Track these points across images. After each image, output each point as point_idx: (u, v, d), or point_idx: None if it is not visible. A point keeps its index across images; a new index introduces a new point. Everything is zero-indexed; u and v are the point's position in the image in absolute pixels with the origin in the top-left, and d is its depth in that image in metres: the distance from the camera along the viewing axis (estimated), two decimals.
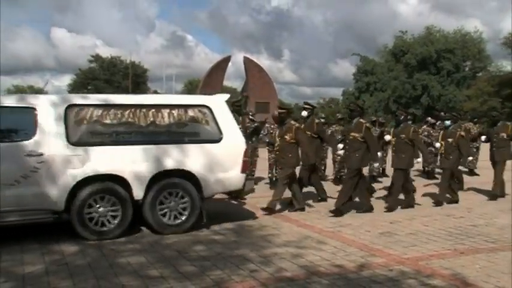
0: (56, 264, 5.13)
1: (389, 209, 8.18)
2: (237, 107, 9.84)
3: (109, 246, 5.84)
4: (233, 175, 6.83)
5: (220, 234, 6.54)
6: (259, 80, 30.55)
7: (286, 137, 8.04)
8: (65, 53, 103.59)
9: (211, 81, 29.92)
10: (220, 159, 6.71)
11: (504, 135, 9.63)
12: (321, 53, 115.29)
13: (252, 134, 10.69)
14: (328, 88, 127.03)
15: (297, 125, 8.26)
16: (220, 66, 31.26)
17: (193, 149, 6.61)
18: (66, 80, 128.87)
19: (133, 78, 58.89)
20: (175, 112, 6.71)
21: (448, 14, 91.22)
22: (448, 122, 9.15)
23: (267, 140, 10.95)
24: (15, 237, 6.20)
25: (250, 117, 11.36)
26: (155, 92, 66.68)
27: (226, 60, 32.09)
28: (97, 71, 63.46)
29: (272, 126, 11.34)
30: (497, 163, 9.71)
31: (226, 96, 7.43)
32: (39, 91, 69.39)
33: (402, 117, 8.75)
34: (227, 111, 7.05)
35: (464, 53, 50.71)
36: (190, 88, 61.18)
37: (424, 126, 12.95)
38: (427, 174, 12.89)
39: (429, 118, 13.66)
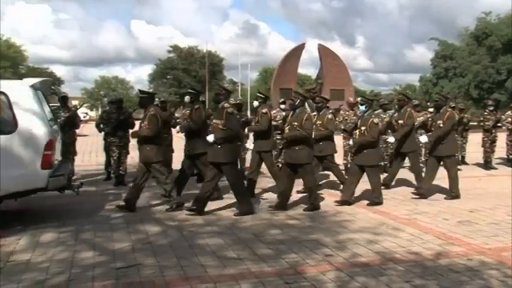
0: (141, 243, 5.47)
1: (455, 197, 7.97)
2: (313, 94, 9.89)
3: (188, 228, 6.13)
4: (30, 171, 6.00)
5: (295, 219, 6.66)
6: (334, 67, 30.22)
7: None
8: (144, 44, 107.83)
9: (286, 69, 29.96)
10: (13, 152, 5.86)
11: (441, 123, 8.01)
12: (396, 38, 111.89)
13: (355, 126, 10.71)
14: (404, 74, 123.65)
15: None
16: (295, 54, 31.19)
17: None
18: (147, 70, 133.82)
19: (210, 67, 60.17)
20: None
21: None
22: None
23: (342, 127, 10.91)
24: (107, 217, 6.67)
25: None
26: (231, 81, 67.82)
27: (300, 48, 31.97)
28: (175, 60, 65.38)
29: (347, 113, 11.24)
30: (443, 160, 8.08)
31: (32, 80, 6.52)
32: (124, 81, 72.78)
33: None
34: (30, 98, 6.14)
35: None
36: (265, 76, 61.56)
37: (509, 112, 12.34)
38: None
39: None
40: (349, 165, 10.89)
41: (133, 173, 10.04)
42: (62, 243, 5.43)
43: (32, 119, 6.05)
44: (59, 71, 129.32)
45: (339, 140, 11.33)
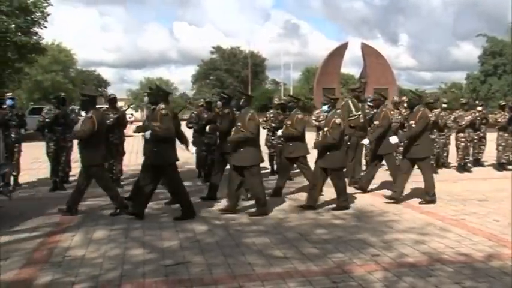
0: (189, 241, 5.59)
1: None
2: (358, 93, 9.84)
3: (234, 227, 6.21)
4: None
5: (340, 219, 6.64)
6: (377, 66, 29.79)
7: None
8: (186, 46, 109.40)
9: (329, 69, 29.78)
10: None
11: (413, 123, 7.57)
12: (440, 35, 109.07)
13: (371, 120, 10.58)
14: (449, 72, 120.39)
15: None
16: (338, 53, 30.92)
17: None
18: (190, 71, 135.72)
19: (253, 67, 60.44)
20: None
21: None
22: None
23: None
24: (155, 216, 6.85)
25: (368, 103, 11.19)
26: (273, 81, 67.86)
27: (343, 47, 31.66)
28: (218, 61, 66.04)
29: (392, 112, 11.08)
30: (417, 162, 7.60)
31: None
32: (168, 83, 74.11)
33: None
34: None
35: None
36: (308, 76, 61.25)
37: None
38: None
39: None
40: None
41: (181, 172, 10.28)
42: (113, 241, 5.62)
43: None
44: (104, 73, 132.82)
45: None
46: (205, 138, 9.94)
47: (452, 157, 11.98)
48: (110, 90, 67.80)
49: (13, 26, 23.66)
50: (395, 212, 6.97)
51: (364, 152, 10.56)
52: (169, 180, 6.97)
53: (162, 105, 6.70)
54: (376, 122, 8.63)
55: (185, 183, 8.81)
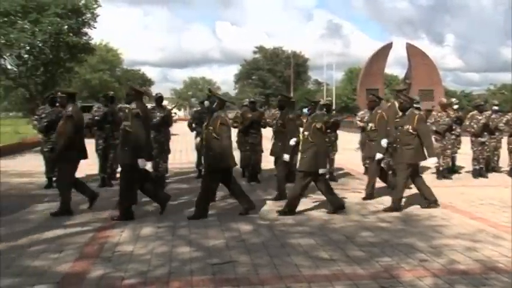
0: (234, 240, 5.63)
1: None
2: (404, 95, 9.66)
3: (279, 228, 6.21)
4: None
5: (386, 222, 6.54)
6: (422, 67, 29.06)
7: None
8: (229, 45, 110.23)
9: (373, 69, 29.29)
10: None
11: (409, 127, 7.26)
12: (489, 35, 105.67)
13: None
14: (498, 73, 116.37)
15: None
16: (382, 54, 30.36)
17: None
18: (233, 70, 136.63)
19: (295, 67, 60.30)
20: None
21: None
22: None
23: (434, 128, 10.56)
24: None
25: (415, 105, 10.94)
26: (316, 82, 67.49)
27: (387, 48, 31.04)
28: (260, 61, 66.25)
29: (439, 114, 10.82)
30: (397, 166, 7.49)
31: None
32: (211, 82, 74.86)
33: None
34: None
35: None
36: (351, 76, 60.64)
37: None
38: None
39: None
40: (440, 168, 10.53)
41: None
42: (161, 238, 5.71)
43: None
44: (148, 72, 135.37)
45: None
46: (249, 138, 9.99)
47: (504, 161, 11.58)
48: (153, 89, 69.19)
49: (66, 27, 24.50)
50: (444, 217, 6.80)
51: None
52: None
53: (133, 105, 6.73)
54: (370, 125, 8.43)
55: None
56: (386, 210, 7.14)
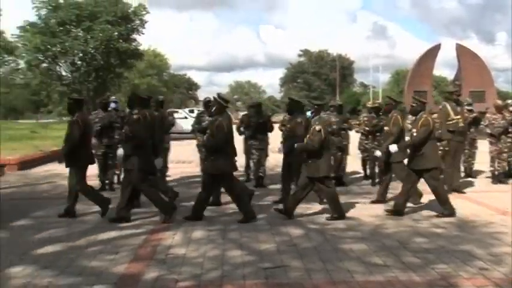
0: (285, 244, 5.60)
1: None
2: (456, 97, 9.42)
3: (330, 232, 6.14)
4: None
5: (441, 228, 6.35)
6: (473, 68, 28.20)
7: None
8: (273, 49, 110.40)
9: (421, 71, 28.65)
10: None
11: (415, 131, 7.04)
12: None
13: (470, 125, 10.07)
14: None
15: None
16: (430, 55, 29.68)
17: None
18: (277, 74, 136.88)
19: (340, 70, 59.74)
20: None
21: None
22: None
23: (488, 131, 10.21)
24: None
25: (467, 107, 10.61)
26: (362, 84, 66.60)
27: (436, 48, 30.32)
28: (306, 64, 66.07)
29: (494, 117, 10.44)
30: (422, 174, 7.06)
31: None
32: (256, 86, 75.22)
33: None
34: None
35: None
36: (397, 78, 59.48)
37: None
38: None
39: None
40: (496, 173, 10.16)
41: (271, 175, 10.38)
42: (212, 241, 5.76)
43: None
44: (194, 76, 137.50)
45: (484, 145, 10.66)
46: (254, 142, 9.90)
47: None
48: (199, 93, 70.14)
49: (116, 33, 25.26)
50: (503, 224, 6.53)
51: (462, 158, 10.05)
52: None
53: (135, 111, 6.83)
54: (386, 128, 8.11)
55: (276, 186, 8.97)
56: (438, 216, 6.94)
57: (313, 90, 63.32)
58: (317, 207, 7.61)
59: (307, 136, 6.95)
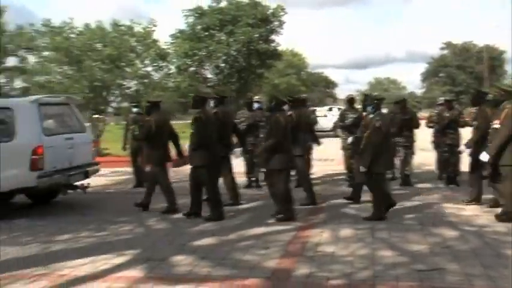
0: (439, 246, 5.30)
1: None
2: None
3: (490, 235, 5.68)
4: (20, 172, 7.10)
5: None
6: None
7: None
8: (412, 43, 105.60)
9: None
10: (9, 157, 7.05)
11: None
12: None
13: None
14: None
15: None
16: None
17: None
18: (416, 69, 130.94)
19: (489, 61, 55.09)
20: None
21: None
22: None
23: None
24: (399, 217, 6.72)
25: None
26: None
27: None
28: (449, 57, 62.19)
29: None
30: None
31: (35, 98, 7.70)
32: (396, 82, 72.84)
33: None
34: (32, 112, 7.32)
35: None
36: None
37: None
38: None
39: None
40: None
41: (417, 173, 9.94)
42: (361, 240, 5.66)
43: (28, 130, 7.29)
44: (331, 74, 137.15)
45: None
46: (446, 139, 9.37)
47: None
48: (337, 91, 69.72)
49: (256, 35, 26.17)
50: None
51: None
52: None
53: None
54: (474, 123, 7.25)
55: (424, 185, 8.57)
56: None
57: (457, 84, 59.27)
58: (470, 208, 7.12)
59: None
